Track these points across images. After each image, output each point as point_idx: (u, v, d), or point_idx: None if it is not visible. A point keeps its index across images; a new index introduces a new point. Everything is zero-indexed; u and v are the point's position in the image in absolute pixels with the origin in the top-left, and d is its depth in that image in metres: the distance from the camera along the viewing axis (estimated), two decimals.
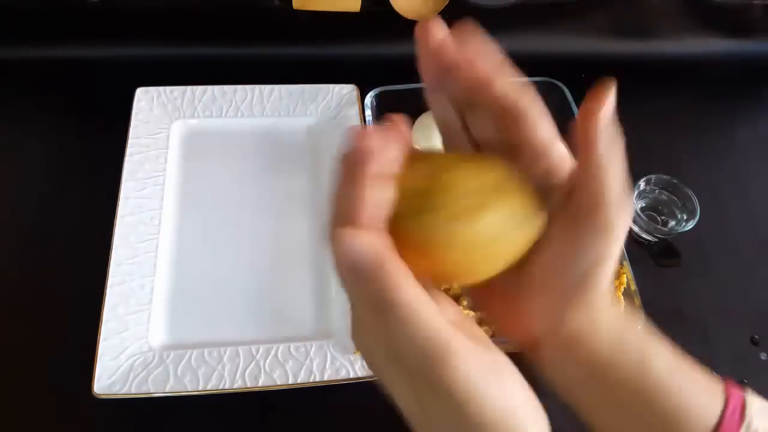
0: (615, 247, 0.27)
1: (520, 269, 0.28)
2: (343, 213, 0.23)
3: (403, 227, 0.24)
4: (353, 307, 0.27)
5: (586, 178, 0.26)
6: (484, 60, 0.27)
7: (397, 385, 0.26)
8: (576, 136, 0.27)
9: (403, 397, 0.26)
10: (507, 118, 0.28)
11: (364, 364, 0.29)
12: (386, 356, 0.25)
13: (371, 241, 0.22)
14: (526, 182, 0.27)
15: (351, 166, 0.24)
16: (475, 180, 0.25)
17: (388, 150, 0.24)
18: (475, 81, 0.27)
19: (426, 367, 0.23)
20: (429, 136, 0.68)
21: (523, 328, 0.31)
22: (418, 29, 0.28)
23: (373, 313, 0.24)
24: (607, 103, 0.26)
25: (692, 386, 0.30)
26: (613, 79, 0.26)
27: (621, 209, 0.26)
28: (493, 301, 0.31)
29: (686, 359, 0.32)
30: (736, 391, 0.31)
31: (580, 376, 0.31)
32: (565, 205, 0.27)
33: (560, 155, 0.28)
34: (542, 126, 0.28)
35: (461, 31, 0.28)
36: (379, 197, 0.23)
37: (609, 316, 0.29)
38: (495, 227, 0.25)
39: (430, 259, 0.24)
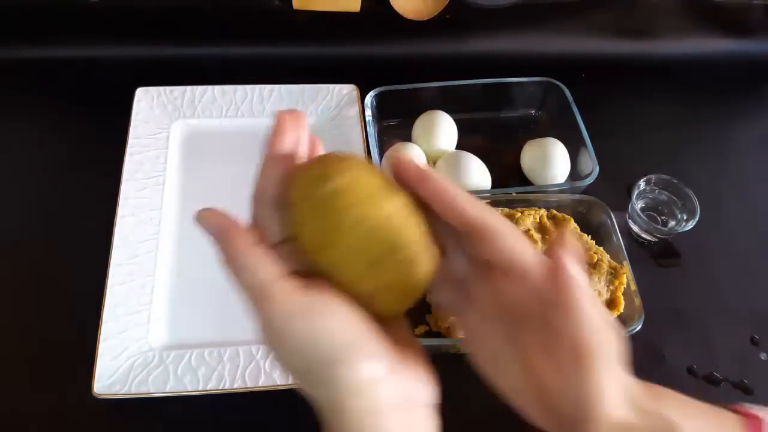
0: (604, 371, 0.28)
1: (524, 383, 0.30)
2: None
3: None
4: None
5: (556, 310, 0.29)
6: (448, 185, 0.30)
7: (260, 330, 0.30)
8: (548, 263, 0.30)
9: (264, 341, 0.30)
10: (476, 236, 0.30)
11: None
12: (247, 306, 0.30)
13: (215, 214, 0.32)
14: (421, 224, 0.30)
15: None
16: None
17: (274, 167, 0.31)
18: (445, 201, 0.30)
19: (256, 306, 0.29)
20: (429, 135, 0.68)
21: (547, 425, 0.31)
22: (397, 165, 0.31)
23: (227, 268, 0.31)
24: (571, 243, 0.30)
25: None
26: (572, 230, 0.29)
27: (600, 334, 0.29)
28: (518, 400, 0.31)
29: (707, 408, 0.33)
30: (754, 419, 0.32)
31: None
32: (542, 323, 0.29)
33: (542, 272, 0.30)
34: (515, 244, 0.30)
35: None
36: (262, 175, 0.32)
37: (640, 399, 0.29)
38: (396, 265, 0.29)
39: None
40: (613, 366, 0.29)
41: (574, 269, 0.29)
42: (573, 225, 0.60)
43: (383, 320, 0.30)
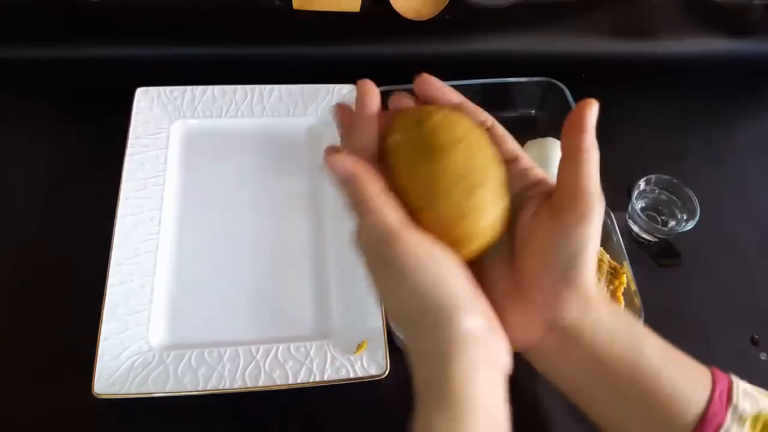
0: (595, 232, 0.31)
1: (513, 269, 0.33)
2: (340, 145, 0.34)
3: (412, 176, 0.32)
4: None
5: (569, 172, 0.32)
6: (448, 91, 0.36)
7: (374, 273, 0.32)
8: (564, 134, 0.33)
9: (377, 284, 0.32)
10: None
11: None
12: (366, 246, 0.32)
13: (348, 159, 0.32)
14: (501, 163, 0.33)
15: (340, 114, 0.35)
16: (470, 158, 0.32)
17: (369, 103, 0.34)
18: (453, 103, 0.35)
19: (379, 248, 0.30)
20: None
21: (522, 329, 0.33)
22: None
23: (354, 211, 0.32)
24: (594, 110, 0.33)
25: (682, 375, 0.33)
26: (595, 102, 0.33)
27: (599, 198, 0.31)
28: (492, 302, 0.33)
29: (675, 349, 0.34)
30: (722, 377, 0.34)
31: (576, 373, 0.33)
32: (546, 204, 0.33)
33: (527, 163, 0.35)
34: (507, 141, 0.36)
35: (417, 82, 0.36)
36: (360, 135, 0.34)
37: (600, 311, 0.32)
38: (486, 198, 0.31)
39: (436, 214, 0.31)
40: (598, 236, 0.31)
41: (592, 140, 0.33)
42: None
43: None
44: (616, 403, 0.33)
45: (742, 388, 0.34)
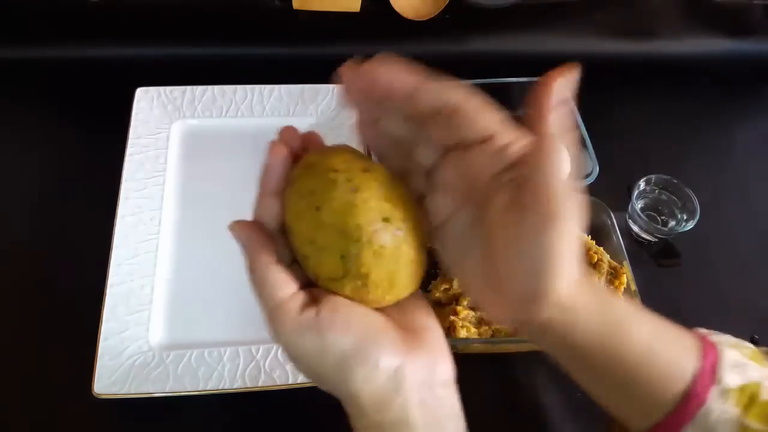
0: (566, 236, 0.27)
1: (488, 261, 0.31)
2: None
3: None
4: None
5: (532, 166, 0.27)
6: (402, 75, 0.30)
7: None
8: (528, 114, 0.28)
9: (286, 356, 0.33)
10: (444, 118, 0.29)
11: None
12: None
13: (245, 226, 0.33)
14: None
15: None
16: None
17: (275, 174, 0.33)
18: (404, 93, 0.30)
19: (268, 320, 0.31)
20: None
21: (498, 316, 0.33)
22: (343, 73, 0.32)
23: (249, 277, 0.32)
24: (569, 79, 0.28)
25: (666, 354, 0.32)
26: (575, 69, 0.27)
27: (568, 200, 0.27)
28: (477, 291, 0.33)
29: (662, 325, 0.33)
30: (711, 350, 0.33)
31: (556, 354, 0.33)
32: (518, 195, 0.28)
33: (504, 139, 0.29)
34: (480, 112, 0.29)
35: (375, 61, 0.31)
36: (259, 206, 0.34)
37: (575, 310, 0.30)
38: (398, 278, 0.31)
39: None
40: (574, 238, 0.27)
41: (556, 136, 0.27)
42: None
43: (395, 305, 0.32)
44: (596, 384, 0.34)
45: (731, 360, 0.33)
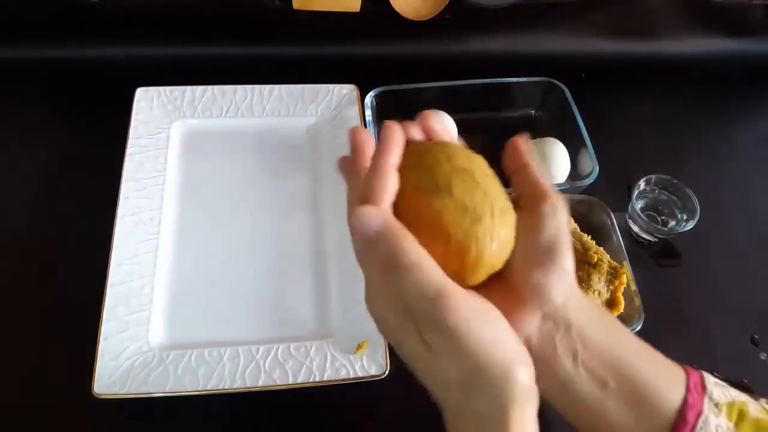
0: (565, 222, 0.32)
1: (502, 278, 0.33)
2: (359, 197, 0.31)
3: (427, 210, 0.30)
4: (366, 276, 0.32)
5: (526, 180, 0.34)
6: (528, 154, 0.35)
7: (408, 338, 0.30)
8: (507, 160, 0.35)
9: (414, 349, 0.30)
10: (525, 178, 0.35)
11: (379, 331, 0.33)
12: (396, 310, 0.30)
13: (381, 213, 0.30)
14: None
15: (353, 161, 0.34)
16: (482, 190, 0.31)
17: (391, 148, 0.32)
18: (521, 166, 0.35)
19: (430, 308, 0.28)
20: None
21: (520, 328, 0.33)
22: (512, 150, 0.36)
23: (384, 272, 0.29)
24: (526, 142, 0.35)
25: (656, 368, 0.35)
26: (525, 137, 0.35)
27: (557, 197, 0.33)
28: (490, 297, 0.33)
29: (646, 344, 0.36)
30: (693, 371, 0.36)
31: (563, 362, 0.34)
32: (517, 211, 0.33)
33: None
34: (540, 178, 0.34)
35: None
36: (385, 184, 0.31)
37: (580, 297, 0.35)
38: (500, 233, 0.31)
39: (449, 245, 0.30)
40: (567, 224, 0.33)
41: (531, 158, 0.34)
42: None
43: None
44: (598, 393, 0.34)
45: (712, 380, 0.36)
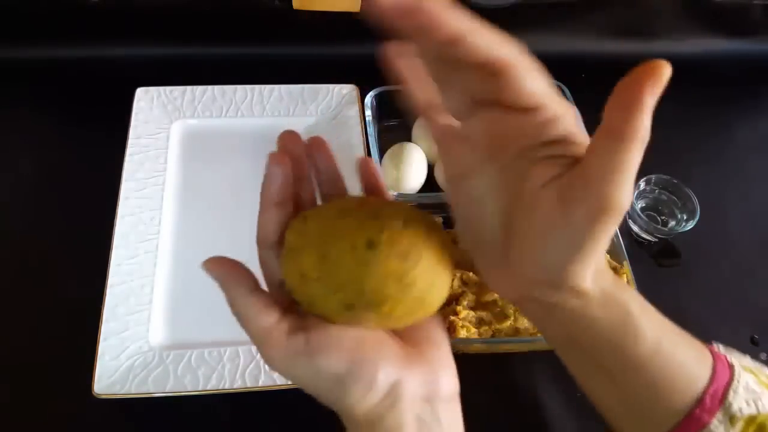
0: (610, 231, 0.26)
1: (505, 232, 0.29)
2: None
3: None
4: None
5: (605, 157, 0.25)
6: (456, 18, 0.25)
7: None
8: (612, 107, 0.26)
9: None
10: (488, 74, 0.25)
11: None
12: None
13: (216, 263, 0.33)
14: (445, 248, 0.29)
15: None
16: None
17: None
18: (448, 36, 0.24)
19: (259, 351, 0.31)
20: (430, 136, 0.68)
21: (504, 291, 0.32)
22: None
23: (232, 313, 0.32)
24: (663, 79, 0.26)
25: (678, 360, 0.31)
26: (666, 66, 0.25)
27: (627, 202, 0.25)
28: (489, 260, 0.31)
29: (677, 329, 0.32)
30: (723, 368, 0.31)
31: (562, 342, 0.32)
32: (565, 176, 0.26)
33: (548, 113, 0.26)
34: (530, 78, 0.26)
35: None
36: (264, 219, 0.33)
37: (591, 306, 0.29)
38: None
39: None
40: (614, 230, 0.26)
41: (648, 125, 0.25)
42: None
43: None
44: (601, 377, 0.32)
45: (745, 385, 0.31)
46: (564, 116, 0.27)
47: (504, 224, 0.29)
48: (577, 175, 0.26)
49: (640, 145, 0.25)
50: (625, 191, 0.25)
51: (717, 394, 0.30)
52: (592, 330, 0.30)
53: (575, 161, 0.26)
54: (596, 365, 0.31)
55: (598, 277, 0.28)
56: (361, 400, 0.29)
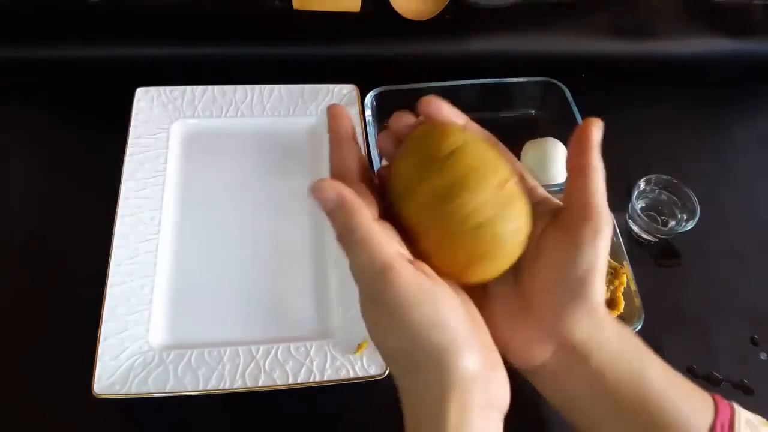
0: (605, 249, 0.30)
1: (519, 288, 0.32)
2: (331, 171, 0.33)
3: (425, 217, 0.30)
4: None
5: (579, 189, 0.31)
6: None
7: (365, 313, 0.30)
8: (571, 152, 0.32)
9: (367, 325, 0.30)
10: None
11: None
12: (359, 283, 0.30)
13: (335, 186, 0.29)
14: (521, 187, 0.32)
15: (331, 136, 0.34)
16: (489, 184, 0.30)
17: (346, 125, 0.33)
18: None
19: (374, 281, 0.28)
20: None
21: (528, 349, 0.32)
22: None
23: (343, 243, 0.30)
24: (599, 129, 0.33)
25: (684, 400, 0.32)
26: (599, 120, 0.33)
27: (607, 216, 0.31)
28: (498, 323, 0.32)
29: (677, 373, 0.33)
30: (724, 405, 0.33)
31: (580, 392, 0.33)
32: (555, 222, 0.32)
33: (531, 182, 0.35)
34: (512, 161, 0.34)
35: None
36: (342, 155, 0.33)
37: (608, 329, 0.32)
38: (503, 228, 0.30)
39: (449, 248, 0.30)
40: (607, 249, 0.31)
41: (599, 158, 0.32)
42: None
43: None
44: (616, 422, 0.32)
45: (744, 417, 0.33)
46: (538, 186, 0.35)
47: (518, 280, 0.33)
48: (569, 212, 0.31)
49: (600, 172, 0.32)
50: (605, 206, 0.31)
51: (725, 428, 0.32)
52: (614, 364, 0.32)
53: (557, 211, 0.32)
54: (614, 411, 0.32)
55: (604, 308, 0.32)
56: (459, 376, 0.28)
